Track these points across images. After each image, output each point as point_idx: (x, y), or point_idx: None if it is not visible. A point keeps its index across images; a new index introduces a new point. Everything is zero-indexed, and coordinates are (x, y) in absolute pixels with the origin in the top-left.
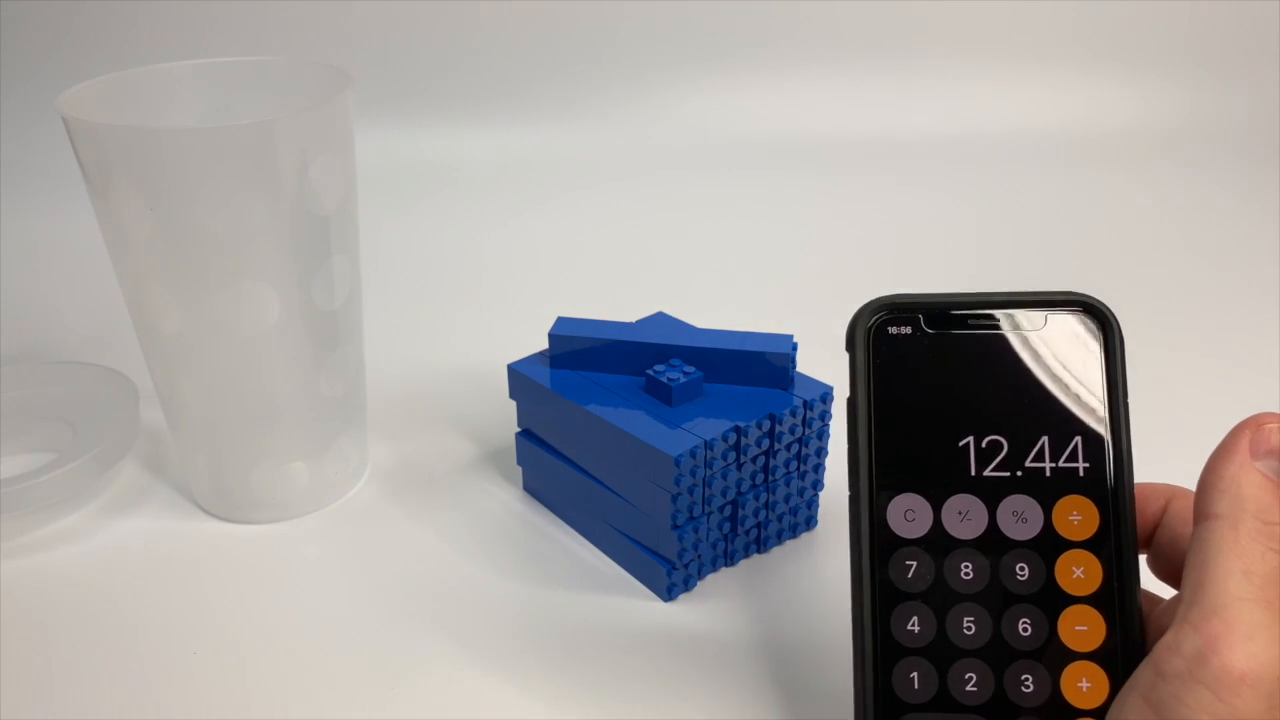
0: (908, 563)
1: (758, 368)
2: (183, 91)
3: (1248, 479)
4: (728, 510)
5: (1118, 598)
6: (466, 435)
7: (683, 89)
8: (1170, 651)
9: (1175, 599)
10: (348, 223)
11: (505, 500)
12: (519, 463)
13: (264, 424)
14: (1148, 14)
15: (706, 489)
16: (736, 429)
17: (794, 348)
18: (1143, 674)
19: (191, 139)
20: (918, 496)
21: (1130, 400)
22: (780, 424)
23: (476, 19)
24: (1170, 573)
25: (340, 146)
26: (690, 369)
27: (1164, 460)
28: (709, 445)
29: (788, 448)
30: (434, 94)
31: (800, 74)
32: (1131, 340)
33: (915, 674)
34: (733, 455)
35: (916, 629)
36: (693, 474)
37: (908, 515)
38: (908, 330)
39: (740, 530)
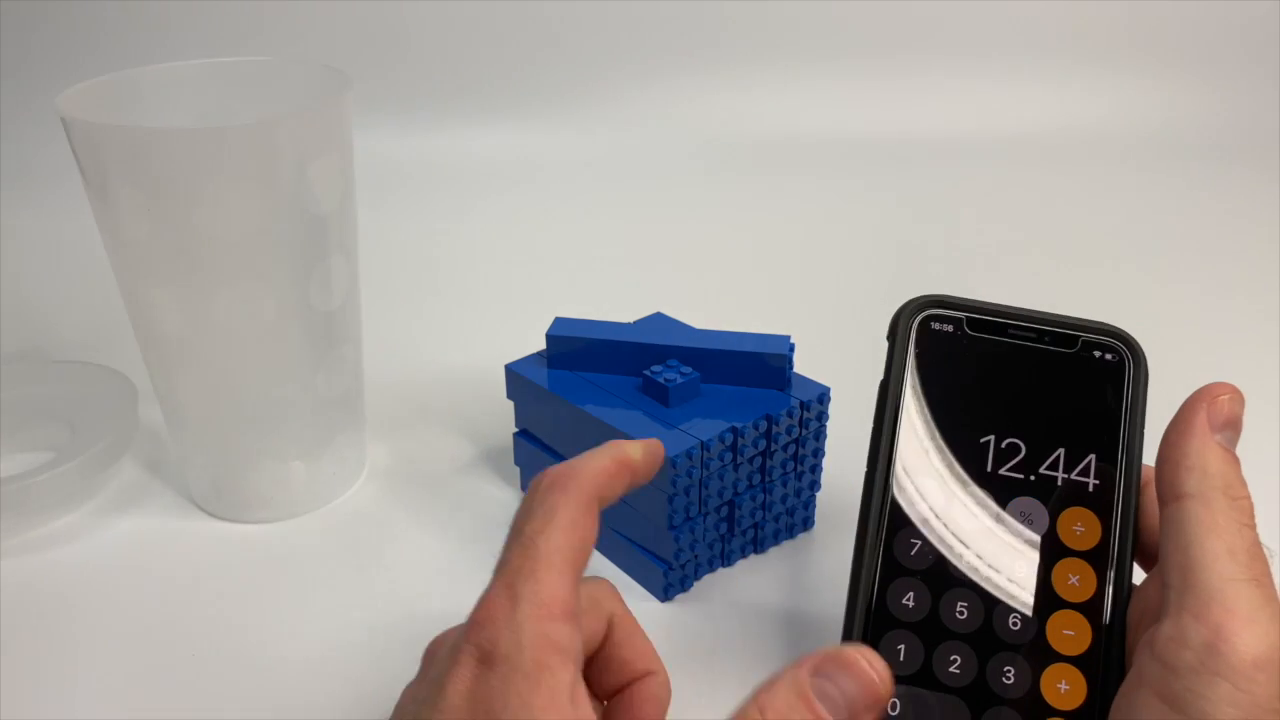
0: (913, 540)
1: (755, 368)
2: (182, 91)
3: (1212, 454)
4: (724, 511)
5: (1109, 609)
6: (464, 435)
7: (682, 90)
8: (1177, 645)
9: (1151, 580)
10: (346, 223)
11: (503, 500)
12: (517, 463)
13: (262, 424)
14: (1149, 14)
15: (703, 490)
16: (733, 430)
17: (791, 348)
18: (1149, 668)
19: (190, 139)
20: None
21: (1146, 428)
22: (777, 425)
23: (476, 19)
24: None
25: (339, 147)
26: (687, 369)
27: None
28: (706, 446)
29: (785, 448)
30: (434, 94)
31: (799, 75)
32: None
33: (903, 646)
34: (729, 456)
35: (911, 604)
36: (689, 475)
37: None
38: (950, 329)
39: (737, 531)
